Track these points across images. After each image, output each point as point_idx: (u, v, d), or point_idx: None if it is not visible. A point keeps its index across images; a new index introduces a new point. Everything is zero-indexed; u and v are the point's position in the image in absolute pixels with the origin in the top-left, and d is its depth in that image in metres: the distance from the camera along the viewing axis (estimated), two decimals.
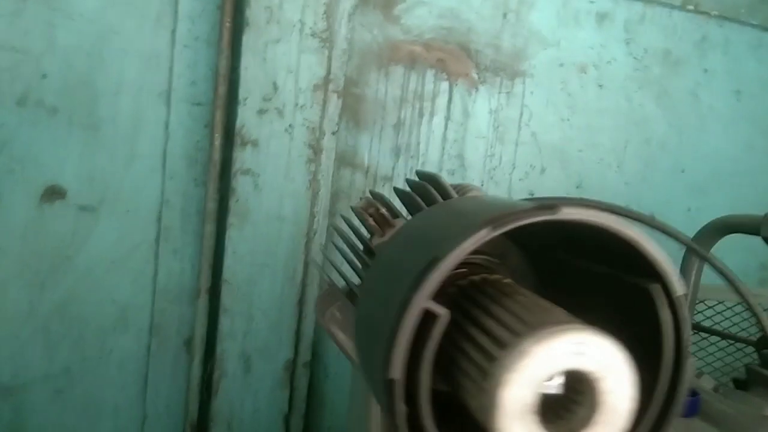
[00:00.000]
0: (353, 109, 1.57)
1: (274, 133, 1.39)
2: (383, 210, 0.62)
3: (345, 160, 1.57)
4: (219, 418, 1.46)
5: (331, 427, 1.68)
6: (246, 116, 1.37)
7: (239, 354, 1.45)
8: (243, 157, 1.38)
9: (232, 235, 1.40)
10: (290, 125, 1.40)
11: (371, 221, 0.61)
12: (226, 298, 1.42)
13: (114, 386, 1.53)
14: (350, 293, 0.67)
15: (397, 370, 0.39)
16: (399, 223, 0.62)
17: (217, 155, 1.41)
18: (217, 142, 1.41)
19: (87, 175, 1.45)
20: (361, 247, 0.63)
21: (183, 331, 1.54)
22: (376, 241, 0.62)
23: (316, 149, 1.42)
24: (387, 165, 1.63)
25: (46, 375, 1.50)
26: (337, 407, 1.68)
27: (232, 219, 1.39)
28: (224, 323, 1.43)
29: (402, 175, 1.64)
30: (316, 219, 1.47)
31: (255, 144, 1.38)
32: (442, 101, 1.64)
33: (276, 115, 1.38)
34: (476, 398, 0.41)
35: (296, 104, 1.39)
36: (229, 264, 1.41)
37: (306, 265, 1.47)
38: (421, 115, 1.64)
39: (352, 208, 0.70)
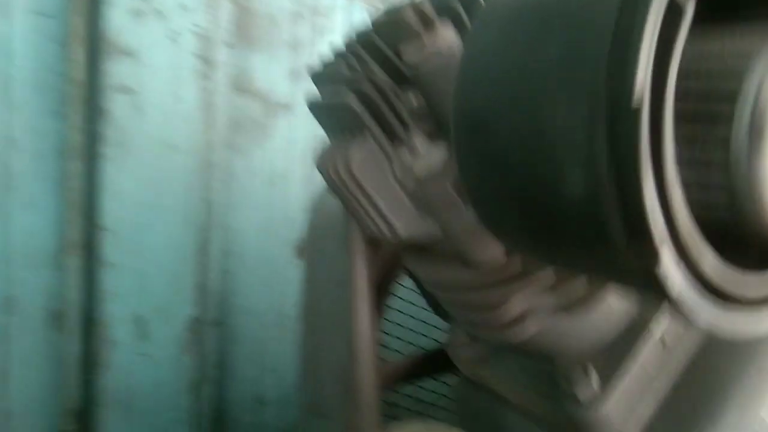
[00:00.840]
0: (242, 24, 1.35)
1: (156, 40, 1.13)
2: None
3: (237, 84, 1.35)
4: (111, 399, 1.18)
5: (243, 396, 1.46)
6: (117, 20, 1.10)
7: (131, 317, 1.18)
8: (117, 71, 1.11)
9: (109, 170, 1.12)
10: (174, 31, 1.14)
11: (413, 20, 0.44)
12: (109, 250, 1.14)
13: None
14: None
15: (642, 87, 0.24)
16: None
17: (80, 73, 1.12)
18: (80, 56, 1.12)
19: None
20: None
21: (49, 304, 1.22)
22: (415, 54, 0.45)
23: (208, 62, 1.19)
24: (284, 91, 1.43)
25: None
26: (248, 374, 1.46)
27: (107, 150, 1.11)
28: (108, 282, 1.15)
29: (302, 102, 1.45)
30: (213, 150, 1.24)
31: (131, 54, 1.11)
32: (340, 18, 1.48)
33: (156, 18, 1.12)
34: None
35: (181, 5, 1.14)
36: (109, 208, 1.13)
37: (207, 203, 1.23)
38: (319, 33, 1.46)
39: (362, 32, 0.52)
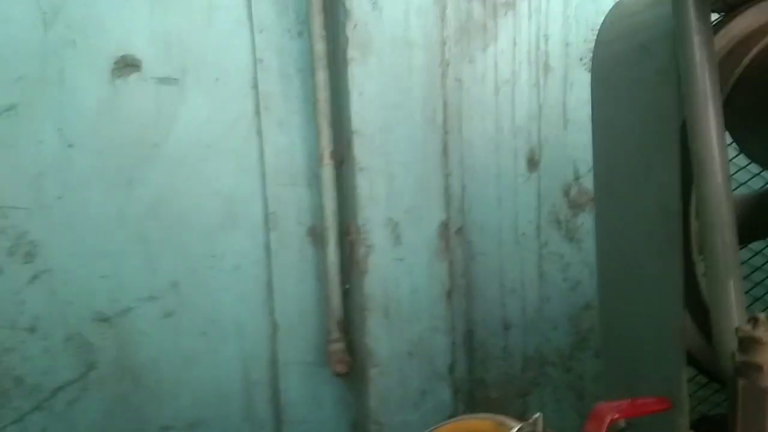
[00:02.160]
0: None
1: None
2: None
3: None
4: (373, 305, 1.18)
5: (486, 317, 1.41)
6: None
7: (385, 221, 1.17)
8: None
9: (355, 73, 1.12)
10: None
11: None
12: (361, 153, 1.14)
13: (232, 298, 1.26)
14: None
15: None
16: None
17: None
18: None
19: (162, 39, 1.18)
20: None
21: (304, 218, 1.27)
22: None
23: None
24: None
25: (150, 295, 1.23)
26: (488, 294, 1.40)
27: (352, 52, 1.12)
28: (362, 185, 1.15)
29: (525, 0, 1.36)
30: (446, 46, 1.19)
31: None
32: None
33: None
34: None
35: None
36: (356, 110, 1.14)
37: (445, 104, 1.19)
38: None
39: None
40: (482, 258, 1.39)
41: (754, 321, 0.47)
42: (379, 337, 1.19)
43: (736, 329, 0.49)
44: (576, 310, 1.49)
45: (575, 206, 1.44)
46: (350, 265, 1.21)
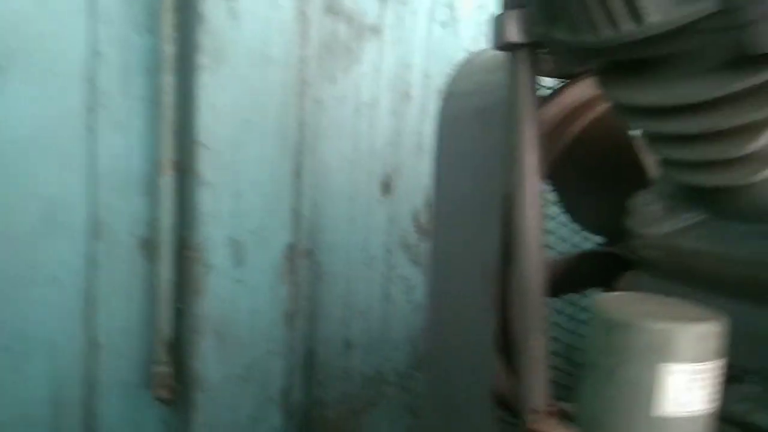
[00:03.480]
0: None
1: None
2: None
3: (324, 3, 1.26)
4: (205, 328, 1.12)
5: (329, 337, 1.40)
6: None
7: (227, 240, 1.11)
8: None
9: (205, 82, 1.06)
10: None
11: None
12: (206, 167, 1.08)
13: (46, 312, 1.13)
14: None
15: None
16: None
17: None
18: None
19: None
20: None
21: (137, 230, 1.17)
22: None
23: None
24: (373, 12, 1.34)
25: None
26: (333, 314, 1.39)
27: (203, 59, 1.05)
28: (205, 201, 1.08)
29: (391, 27, 1.37)
30: (307, 65, 1.16)
31: None
32: None
33: None
34: None
35: None
36: (204, 121, 1.07)
37: (301, 123, 1.16)
38: None
39: None
40: (329, 279, 1.37)
41: (541, 412, 0.50)
42: (210, 361, 1.13)
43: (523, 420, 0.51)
44: (416, 332, 1.53)
45: (423, 232, 1.48)
46: (185, 284, 1.14)
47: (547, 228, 0.83)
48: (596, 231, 0.86)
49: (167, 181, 1.11)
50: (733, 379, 0.57)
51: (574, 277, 0.83)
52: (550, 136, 0.74)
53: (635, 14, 0.40)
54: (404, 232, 1.46)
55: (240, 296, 1.14)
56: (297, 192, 1.18)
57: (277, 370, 1.19)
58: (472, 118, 0.74)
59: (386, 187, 1.43)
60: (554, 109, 0.75)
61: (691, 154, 0.48)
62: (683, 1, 0.39)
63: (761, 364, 0.53)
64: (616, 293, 0.54)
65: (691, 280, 0.59)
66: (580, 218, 0.85)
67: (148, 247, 1.16)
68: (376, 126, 1.39)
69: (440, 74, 1.42)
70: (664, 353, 0.43)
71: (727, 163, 0.47)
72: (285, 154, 1.14)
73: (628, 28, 0.41)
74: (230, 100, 1.07)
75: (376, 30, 1.34)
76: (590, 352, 0.46)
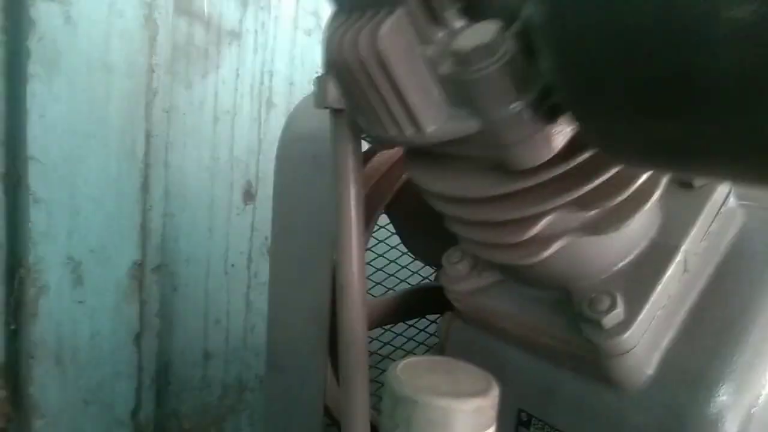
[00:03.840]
0: None
1: None
2: None
3: (179, 5, 1.21)
4: (42, 352, 1.05)
5: (186, 348, 1.37)
6: None
7: (64, 260, 1.05)
8: None
9: (36, 92, 0.98)
10: None
11: None
12: (37, 183, 1.00)
13: None
14: None
15: None
16: None
17: None
18: None
19: None
20: None
21: None
22: None
23: None
24: (233, 17, 1.30)
25: None
26: (190, 325, 1.37)
27: (34, 67, 0.97)
28: (37, 219, 1.01)
29: (252, 32, 1.33)
30: (155, 74, 1.11)
31: None
32: None
33: None
34: None
35: None
36: (35, 134, 0.99)
37: (147, 136, 1.11)
38: None
39: None
40: (186, 290, 1.34)
41: None
42: (48, 387, 1.07)
43: None
44: None
45: None
46: (19, 306, 1.06)
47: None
48: (431, 264, 0.90)
49: None
50: (520, 424, 0.63)
51: (408, 309, 0.87)
52: (386, 174, 0.77)
53: (415, 124, 0.42)
54: (268, 239, 1.45)
55: (80, 318, 1.08)
56: (144, 206, 1.13)
57: (123, 391, 1.15)
58: (306, 162, 0.74)
59: (248, 195, 1.41)
60: (387, 154, 0.77)
61: (476, 236, 0.52)
62: (453, 118, 0.41)
63: (548, 413, 0.58)
64: (411, 360, 0.57)
65: (496, 333, 0.64)
66: (416, 252, 0.89)
67: None
68: (237, 133, 1.36)
69: (305, 82, 1.41)
70: (444, 427, 0.46)
71: (509, 246, 0.51)
72: (131, 167, 1.09)
73: (410, 133, 0.43)
74: (65, 111, 1.00)
75: (236, 35, 1.30)
76: (383, 414, 0.49)
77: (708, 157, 0.28)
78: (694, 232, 0.54)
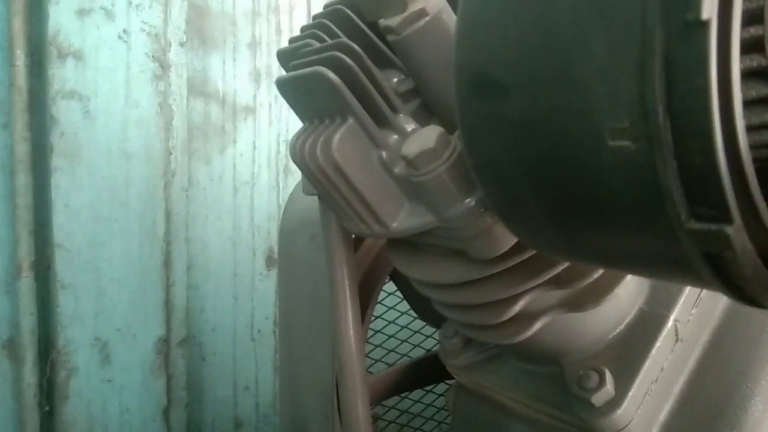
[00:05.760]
0: (196, 24, 1.28)
1: (104, 40, 1.05)
2: None
3: (194, 88, 1.27)
4: None
5: (216, 418, 1.38)
6: (61, 19, 1.02)
7: (92, 341, 1.09)
8: (63, 75, 1.02)
9: (60, 184, 1.04)
10: (124, 30, 1.07)
11: None
12: (64, 270, 1.05)
13: None
14: None
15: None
16: None
17: (22, 78, 1.03)
18: (19, 61, 1.03)
19: None
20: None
21: (0, 331, 1.12)
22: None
23: (162, 64, 1.11)
24: (247, 93, 1.36)
25: None
26: (220, 394, 1.38)
27: (57, 161, 1.03)
28: (65, 304, 1.06)
29: (266, 105, 1.39)
30: (173, 156, 1.16)
31: (78, 56, 1.03)
32: (300, 14, 1.42)
33: (103, 18, 1.04)
34: None
35: (130, 3, 1.06)
36: (60, 223, 1.04)
37: (167, 215, 1.15)
38: (278, 32, 1.39)
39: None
40: (213, 359, 1.36)
41: None
42: None
43: None
44: None
45: None
46: (52, 387, 1.10)
47: None
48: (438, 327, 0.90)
49: (26, 284, 1.08)
50: None
51: (417, 379, 0.87)
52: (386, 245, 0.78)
53: (379, 221, 0.44)
54: None
55: (109, 396, 1.11)
56: (167, 282, 1.17)
57: None
58: (304, 242, 0.76)
59: (271, 260, 1.44)
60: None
61: (459, 317, 0.52)
62: (413, 214, 0.42)
63: None
64: None
65: (496, 407, 0.63)
66: (425, 316, 0.89)
67: (13, 348, 1.12)
68: (257, 202, 1.40)
69: None
70: None
71: (492, 326, 0.51)
72: (153, 246, 1.13)
73: (377, 228, 0.45)
74: (88, 198, 1.06)
75: (250, 110, 1.36)
76: None
77: (628, 263, 0.28)
78: (684, 299, 0.53)
